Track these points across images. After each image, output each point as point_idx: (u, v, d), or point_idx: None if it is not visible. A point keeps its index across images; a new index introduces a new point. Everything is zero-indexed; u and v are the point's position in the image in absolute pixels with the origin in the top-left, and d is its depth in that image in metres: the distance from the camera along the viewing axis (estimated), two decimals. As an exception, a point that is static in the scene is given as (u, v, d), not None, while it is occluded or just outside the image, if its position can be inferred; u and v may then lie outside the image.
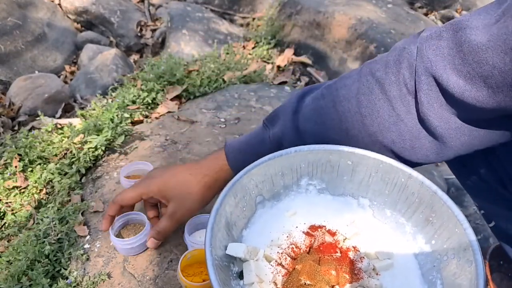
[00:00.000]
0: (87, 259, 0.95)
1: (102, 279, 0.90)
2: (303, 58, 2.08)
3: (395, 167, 0.69)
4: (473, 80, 0.53)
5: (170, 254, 0.95)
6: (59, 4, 2.38)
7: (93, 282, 0.90)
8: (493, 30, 0.50)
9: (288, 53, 2.11)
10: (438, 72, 0.56)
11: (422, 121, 0.62)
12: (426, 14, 2.60)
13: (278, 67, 2.01)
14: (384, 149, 0.68)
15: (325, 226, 0.72)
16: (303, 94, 0.76)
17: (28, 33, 2.06)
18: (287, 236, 0.70)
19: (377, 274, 0.67)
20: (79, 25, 2.38)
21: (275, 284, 0.63)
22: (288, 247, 0.68)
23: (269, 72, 1.89)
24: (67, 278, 0.92)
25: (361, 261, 0.67)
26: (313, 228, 0.72)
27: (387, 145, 0.67)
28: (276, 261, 0.66)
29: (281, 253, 0.67)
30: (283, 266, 0.65)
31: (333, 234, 0.71)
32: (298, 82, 1.96)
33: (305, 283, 0.61)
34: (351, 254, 0.68)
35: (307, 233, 0.71)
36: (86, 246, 0.98)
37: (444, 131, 0.60)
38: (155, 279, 0.90)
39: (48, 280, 0.92)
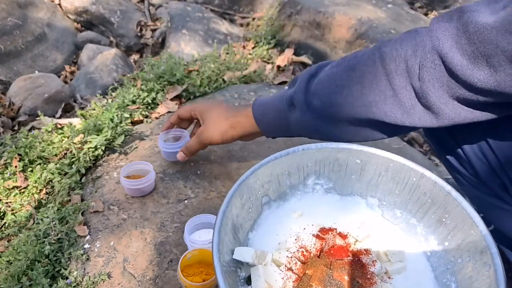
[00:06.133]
0: (87, 259, 0.95)
1: (102, 279, 0.90)
2: (303, 58, 2.08)
3: (406, 166, 0.68)
4: (476, 59, 0.55)
5: (170, 254, 0.95)
6: (59, 4, 2.38)
7: (93, 282, 0.90)
8: (500, 14, 0.53)
9: (288, 53, 2.11)
10: (444, 50, 0.59)
11: (420, 97, 0.64)
12: (426, 14, 2.60)
13: (278, 67, 2.01)
14: (374, 122, 0.70)
15: (336, 229, 0.70)
16: (326, 63, 0.81)
17: (28, 33, 2.06)
18: (296, 239, 0.67)
19: (389, 277, 0.65)
20: (79, 25, 2.37)
21: None
22: (298, 250, 0.65)
23: (269, 72, 1.89)
24: (67, 278, 0.92)
25: (374, 265, 0.65)
26: (324, 231, 0.70)
27: (378, 117, 0.69)
28: (285, 265, 0.63)
29: (291, 257, 0.64)
30: (293, 271, 0.63)
31: (344, 237, 0.69)
32: (298, 82, 1.96)
33: None
34: (363, 258, 0.66)
35: (317, 236, 0.68)
36: (86, 246, 0.98)
37: (440, 109, 0.63)
38: (155, 279, 0.90)
39: (48, 280, 0.92)
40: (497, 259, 0.55)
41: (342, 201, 0.76)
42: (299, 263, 0.64)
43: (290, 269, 0.63)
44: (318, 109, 0.77)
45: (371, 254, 0.67)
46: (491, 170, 0.73)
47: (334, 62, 0.80)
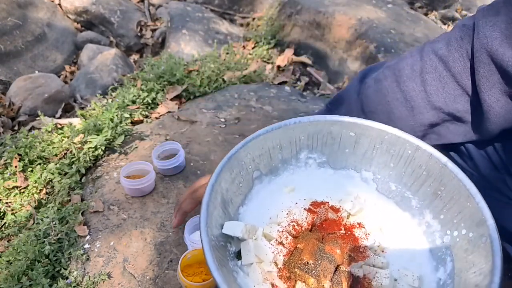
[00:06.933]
0: (87, 259, 0.95)
1: (102, 279, 0.90)
2: (303, 58, 2.08)
3: (401, 138, 0.66)
4: None
5: (170, 254, 0.95)
6: (59, 4, 2.38)
7: (93, 282, 0.90)
8: None
9: (288, 53, 2.11)
10: (494, 48, 0.57)
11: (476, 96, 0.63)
12: (426, 14, 2.60)
13: (278, 67, 2.01)
14: (449, 116, 0.69)
15: (328, 202, 0.69)
16: (363, 76, 0.79)
17: (28, 33, 2.06)
18: (287, 213, 0.66)
19: (382, 251, 0.64)
20: (79, 25, 2.38)
21: (276, 264, 0.60)
22: (289, 224, 0.64)
23: (269, 72, 1.89)
24: (67, 278, 0.92)
25: (367, 238, 0.64)
26: (315, 204, 0.68)
27: (452, 112, 0.68)
28: (276, 240, 0.62)
29: (282, 231, 0.63)
30: (284, 245, 0.62)
31: (336, 210, 0.67)
32: (298, 82, 1.96)
33: (307, 263, 0.58)
34: (356, 231, 0.65)
35: (308, 210, 0.67)
36: (86, 246, 0.98)
37: (491, 108, 0.61)
38: (155, 279, 0.90)
39: (48, 280, 0.92)
40: (494, 231, 0.54)
41: (336, 175, 0.74)
42: (290, 237, 0.63)
43: (281, 243, 0.62)
44: None
45: (364, 228, 0.66)
46: (492, 165, 0.73)
47: (372, 74, 0.77)
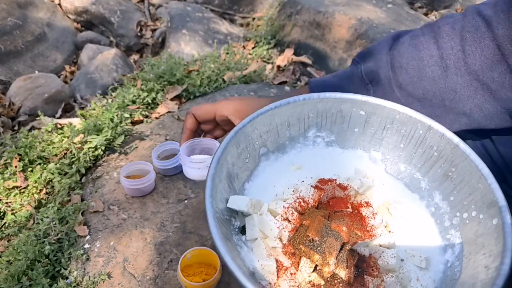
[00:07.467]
0: (87, 259, 0.95)
1: (102, 279, 0.90)
2: (303, 58, 2.08)
3: (413, 118, 0.64)
4: None
5: (170, 254, 0.95)
6: (59, 4, 2.38)
7: (93, 282, 0.90)
8: None
9: (288, 53, 2.11)
10: None
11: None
12: (426, 14, 2.60)
13: (278, 67, 2.01)
14: (480, 87, 0.65)
15: (335, 180, 0.68)
16: (398, 34, 0.75)
17: (28, 33, 2.06)
18: (293, 191, 0.65)
19: (389, 231, 0.63)
20: (79, 25, 2.38)
21: (281, 240, 0.59)
22: (295, 201, 0.63)
23: (269, 72, 1.89)
24: (67, 278, 0.92)
25: (374, 218, 0.63)
26: (323, 181, 0.67)
27: (486, 81, 0.64)
28: (281, 216, 0.61)
29: (287, 207, 0.62)
30: (289, 221, 0.61)
31: (344, 188, 0.66)
32: (298, 82, 1.96)
33: (313, 240, 0.57)
34: (363, 210, 0.64)
35: (315, 187, 0.66)
36: (86, 246, 0.99)
37: None
38: (155, 279, 0.90)
39: (48, 280, 0.92)
40: (506, 213, 0.52)
41: (344, 155, 0.73)
42: (296, 213, 0.62)
43: (286, 219, 0.61)
44: (408, 85, 0.70)
45: (371, 207, 0.65)
46: (492, 162, 0.73)
47: (409, 33, 0.73)
